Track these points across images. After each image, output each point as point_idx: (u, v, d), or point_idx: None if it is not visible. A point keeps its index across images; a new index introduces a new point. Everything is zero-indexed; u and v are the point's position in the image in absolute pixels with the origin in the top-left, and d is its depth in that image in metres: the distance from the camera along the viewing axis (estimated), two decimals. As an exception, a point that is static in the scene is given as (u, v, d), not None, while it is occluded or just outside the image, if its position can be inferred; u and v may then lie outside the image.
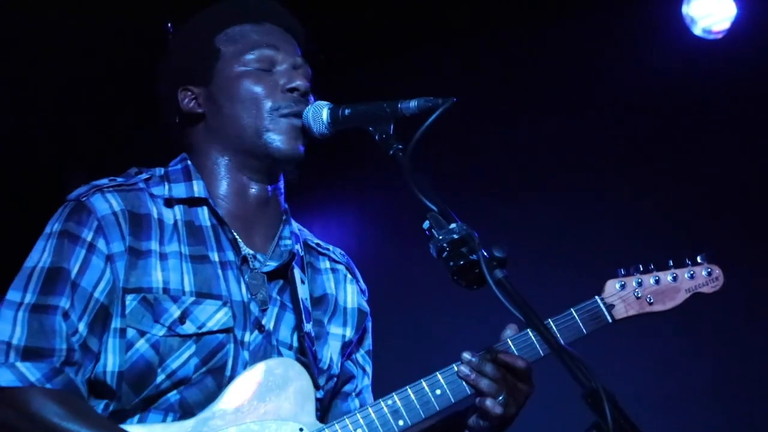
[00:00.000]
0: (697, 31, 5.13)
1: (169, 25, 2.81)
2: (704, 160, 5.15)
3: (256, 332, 2.56)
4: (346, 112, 2.55)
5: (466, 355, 2.54)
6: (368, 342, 2.89)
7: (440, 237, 2.19)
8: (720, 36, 5.11)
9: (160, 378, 2.44)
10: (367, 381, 2.85)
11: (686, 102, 5.18)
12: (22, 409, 2.31)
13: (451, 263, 2.18)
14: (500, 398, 2.50)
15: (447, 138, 4.13)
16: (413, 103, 2.41)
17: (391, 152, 2.37)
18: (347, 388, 2.80)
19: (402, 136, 2.40)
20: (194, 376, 2.46)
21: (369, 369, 2.88)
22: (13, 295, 2.43)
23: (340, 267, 2.86)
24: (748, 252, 4.84)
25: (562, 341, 2.58)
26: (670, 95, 5.19)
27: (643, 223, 5.18)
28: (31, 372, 2.33)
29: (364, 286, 2.91)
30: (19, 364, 2.33)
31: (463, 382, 2.54)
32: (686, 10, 5.13)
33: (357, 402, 2.79)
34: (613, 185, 5.31)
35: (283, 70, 2.68)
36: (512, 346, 2.60)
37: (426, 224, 2.23)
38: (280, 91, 2.64)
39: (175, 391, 2.45)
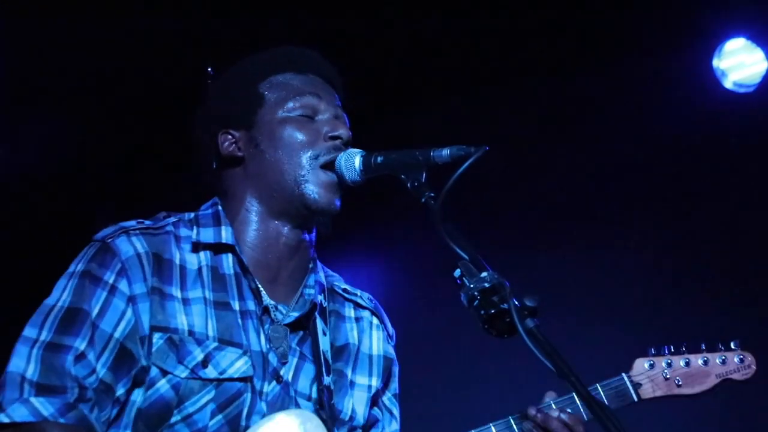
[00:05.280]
0: (728, 84, 5.14)
1: (210, 70, 2.84)
2: (736, 215, 5.11)
3: (274, 383, 2.55)
4: (379, 159, 2.56)
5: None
6: (394, 386, 2.87)
7: (471, 285, 2.19)
8: (751, 89, 5.11)
9: (175, 419, 2.44)
10: (395, 425, 2.83)
11: (716, 155, 5.16)
12: None
13: (482, 312, 2.17)
14: None
15: (479, 187, 4.13)
16: (446, 152, 2.41)
17: (423, 200, 2.37)
18: None
19: (433, 184, 2.40)
20: (210, 424, 2.45)
21: (396, 412, 2.85)
22: (29, 331, 2.42)
23: (366, 314, 2.85)
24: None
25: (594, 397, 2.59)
26: (700, 148, 5.17)
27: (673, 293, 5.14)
28: (44, 407, 2.32)
29: (392, 331, 2.90)
30: (33, 399, 2.32)
31: None
32: (717, 63, 5.14)
33: None
34: (638, 241, 5.29)
35: (325, 118, 2.70)
36: (554, 407, 2.64)
37: (457, 272, 2.22)
38: (322, 139, 2.66)
39: None
